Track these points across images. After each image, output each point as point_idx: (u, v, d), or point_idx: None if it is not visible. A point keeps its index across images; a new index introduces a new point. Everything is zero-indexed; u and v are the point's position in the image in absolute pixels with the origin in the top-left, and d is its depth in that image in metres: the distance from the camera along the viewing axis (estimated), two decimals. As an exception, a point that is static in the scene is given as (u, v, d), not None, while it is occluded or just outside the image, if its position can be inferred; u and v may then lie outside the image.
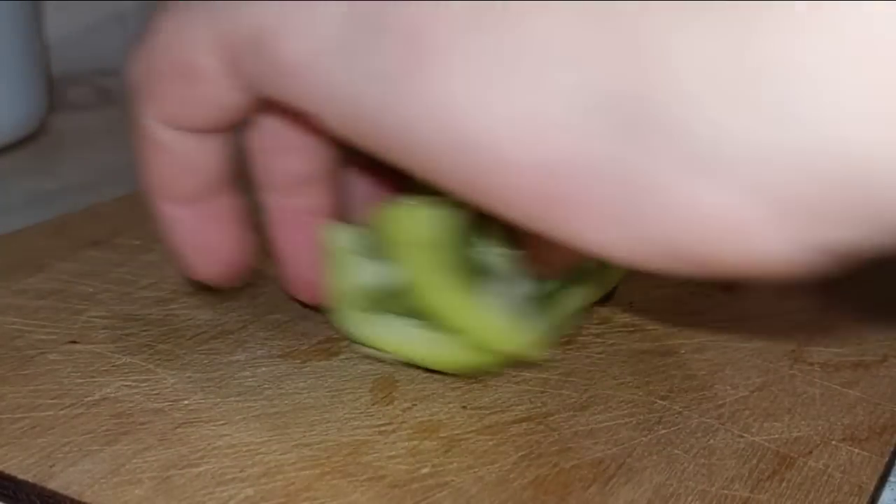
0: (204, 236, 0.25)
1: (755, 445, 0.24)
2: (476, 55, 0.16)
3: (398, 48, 0.17)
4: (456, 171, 0.17)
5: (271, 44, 0.19)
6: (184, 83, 0.21)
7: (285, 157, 0.25)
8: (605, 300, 0.31)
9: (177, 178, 0.24)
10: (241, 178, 0.26)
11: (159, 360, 0.29)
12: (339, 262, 0.26)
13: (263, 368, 0.28)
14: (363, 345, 0.27)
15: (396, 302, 0.26)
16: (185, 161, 0.23)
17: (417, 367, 0.27)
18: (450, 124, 0.17)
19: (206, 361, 0.29)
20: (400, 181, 0.27)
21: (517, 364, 0.27)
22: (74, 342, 0.30)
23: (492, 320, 0.25)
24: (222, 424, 0.25)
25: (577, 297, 0.28)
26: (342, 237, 0.26)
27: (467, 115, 0.16)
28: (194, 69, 0.21)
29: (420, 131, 0.17)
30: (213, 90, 0.21)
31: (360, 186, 0.28)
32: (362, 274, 0.26)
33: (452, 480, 0.23)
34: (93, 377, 0.28)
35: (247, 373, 0.28)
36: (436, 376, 0.28)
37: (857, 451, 0.24)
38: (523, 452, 0.24)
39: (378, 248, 0.26)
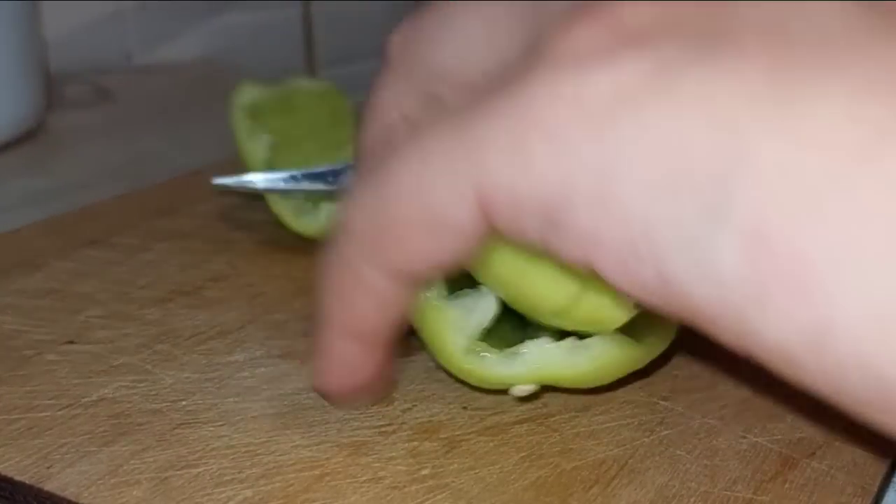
0: (363, 368, 0.23)
1: (758, 446, 0.24)
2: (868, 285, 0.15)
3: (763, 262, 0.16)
4: (858, 393, 0.16)
5: (570, 215, 0.18)
6: (427, 235, 0.20)
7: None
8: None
9: (371, 319, 0.22)
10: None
11: (157, 360, 0.29)
12: (443, 316, 0.24)
13: (262, 369, 0.28)
14: (495, 386, 0.25)
15: (498, 334, 0.25)
16: (388, 305, 0.22)
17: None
18: (834, 350, 0.16)
19: (204, 362, 0.28)
20: None
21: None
22: (72, 342, 0.30)
23: (594, 297, 0.23)
24: (221, 425, 0.25)
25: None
26: (435, 291, 0.25)
27: (862, 345, 0.15)
28: (446, 223, 0.19)
29: (791, 351, 0.16)
30: (456, 243, 0.20)
31: None
32: (474, 316, 0.24)
33: (453, 482, 0.23)
34: (90, 378, 0.28)
35: (245, 373, 0.28)
36: (436, 377, 0.27)
37: (860, 452, 0.24)
38: (524, 453, 0.24)
39: (461, 287, 0.25)
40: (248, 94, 0.42)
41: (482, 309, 0.24)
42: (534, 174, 0.18)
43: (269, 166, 0.39)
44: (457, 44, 0.22)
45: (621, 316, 0.23)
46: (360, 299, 0.22)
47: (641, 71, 0.17)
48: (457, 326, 0.24)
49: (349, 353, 0.23)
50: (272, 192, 0.36)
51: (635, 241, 0.17)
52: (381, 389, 0.25)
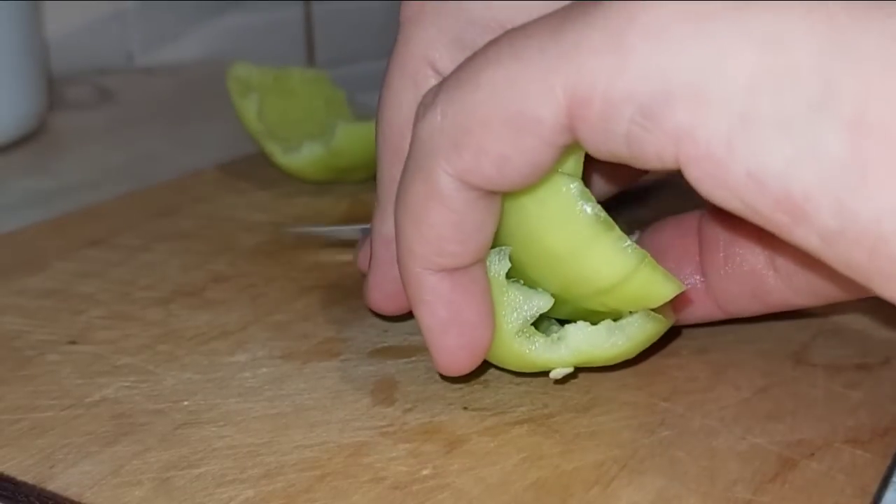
0: (460, 311, 0.23)
1: (758, 447, 0.24)
2: None
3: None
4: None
5: (666, 109, 0.18)
6: (509, 138, 0.20)
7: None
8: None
9: (452, 242, 0.22)
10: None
11: (159, 360, 0.29)
12: (504, 294, 0.25)
13: (264, 369, 0.28)
14: (542, 370, 0.25)
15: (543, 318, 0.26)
16: (469, 224, 0.22)
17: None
18: None
19: (206, 362, 0.29)
20: None
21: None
22: (74, 343, 0.30)
23: (639, 273, 0.24)
24: (222, 425, 0.25)
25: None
26: (500, 269, 0.25)
27: None
28: (529, 122, 0.20)
29: (882, 230, 0.17)
30: (535, 147, 0.20)
31: None
32: (532, 301, 0.25)
33: (454, 482, 0.23)
34: (92, 378, 0.28)
35: (247, 374, 0.28)
36: (437, 377, 0.27)
37: (859, 453, 0.24)
38: (525, 454, 0.24)
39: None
40: (243, 70, 0.46)
41: (541, 296, 0.25)
42: (632, 71, 0.18)
43: (263, 126, 0.43)
44: None
45: (669, 292, 0.24)
46: (434, 212, 0.21)
47: None
48: (514, 307, 0.25)
49: (447, 297, 0.23)
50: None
51: (732, 134, 0.18)
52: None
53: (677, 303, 0.27)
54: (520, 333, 0.25)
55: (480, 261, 0.23)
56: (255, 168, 0.46)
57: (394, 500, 0.22)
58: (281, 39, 0.80)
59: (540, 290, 0.25)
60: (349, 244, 0.35)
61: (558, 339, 0.25)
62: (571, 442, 0.24)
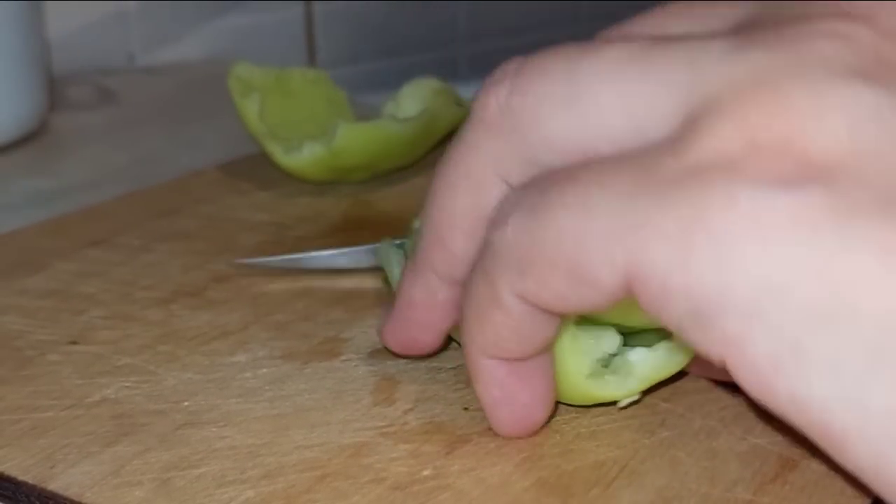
0: (514, 394, 0.24)
1: (758, 448, 0.24)
2: None
3: None
4: None
5: (718, 318, 0.18)
6: (569, 284, 0.20)
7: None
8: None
9: (510, 342, 0.22)
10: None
11: (160, 361, 0.29)
12: (573, 341, 0.25)
13: (264, 370, 0.28)
14: (620, 400, 0.25)
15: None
16: (526, 332, 0.22)
17: None
18: None
19: (206, 362, 0.29)
20: None
21: None
22: (75, 343, 0.30)
23: None
24: (223, 426, 0.25)
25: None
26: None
27: None
28: (589, 279, 0.20)
29: None
30: (593, 299, 0.20)
31: None
32: (601, 343, 0.25)
33: (454, 482, 0.23)
34: (93, 378, 0.28)
35: (248, 374, 0.28)
36: (437, 377, 0.27)
37: (860, 453, 0.24)
38: (525, 454, 0.24)
39: None
40: (244, 70, 0.46)
41: (608, 337, 0.25)
42: (692, 271, 0.18)
43: (265, 126, 0.43)
44: (581, 111, 0.21)
45: None
46: (494, 316, 0.22)
47: (823, 204, 0.17)
48: (585, 351, 0.25)
49: (503, 380, 0.24)
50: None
51: (781, 359, 0.18)
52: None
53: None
54: (591, 376, 0.25)
55: (541, 352, 0.24)
56: (256, 168, 0.46)
57: (394, 501, 0.22)
58: (281, 39, 0.79)
59: (603, 327, 0.25)
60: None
61: (627, 374, 0.25)
62: (572, 442, 0.24)
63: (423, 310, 0.25)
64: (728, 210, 0.18)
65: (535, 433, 0.25)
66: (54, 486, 0.23)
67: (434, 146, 0.47)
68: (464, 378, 0.27)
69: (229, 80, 0.45)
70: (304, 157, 0.42)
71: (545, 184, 0.20)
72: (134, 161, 0.51)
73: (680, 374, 0.26)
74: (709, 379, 0.27)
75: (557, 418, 0.25)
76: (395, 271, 0.30)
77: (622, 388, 0.25)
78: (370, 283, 0.34)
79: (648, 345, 0.25)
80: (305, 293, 0.33)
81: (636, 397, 0.25)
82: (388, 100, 0.49)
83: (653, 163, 0.19)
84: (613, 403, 0.25)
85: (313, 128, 0.47)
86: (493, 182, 0.22)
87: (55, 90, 0.61)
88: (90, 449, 0.24)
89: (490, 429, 0.25)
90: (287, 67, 0.48)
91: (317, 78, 0.49)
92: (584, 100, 0.21)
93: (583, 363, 0.24)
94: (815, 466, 0.24)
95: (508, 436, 0.25)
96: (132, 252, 0.37)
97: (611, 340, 0.25)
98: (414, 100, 0.49)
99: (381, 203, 0.42)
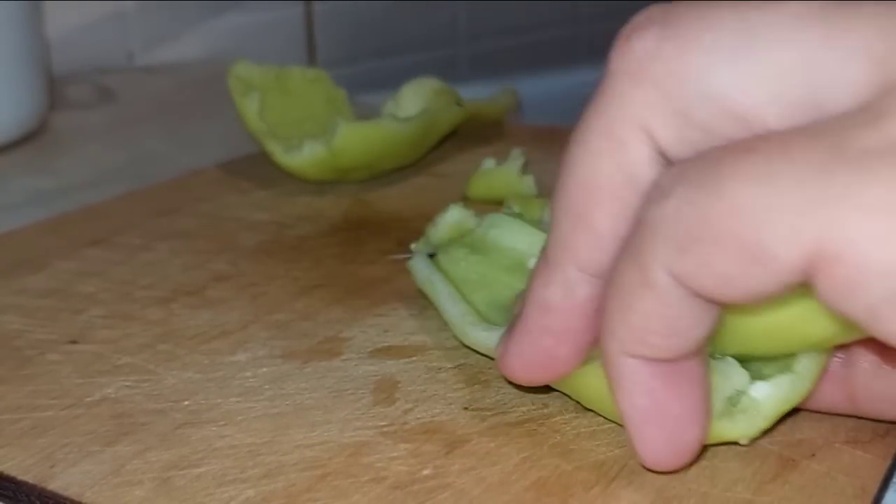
0: (662, 403, 0.21)
1: (758, 448, 0.24)
2: None
3: None
4: None
5: None
6: (738, 262, 0.18)
7: None
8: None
9: (657, 335, 0.20)
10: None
11: (160, 360, 0.29)
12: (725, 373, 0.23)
13: (264, 369, 0.28)
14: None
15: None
16: (677, 321, 0.20)
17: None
18: None
19: (206, 362, 0.29)
20: None
21: None
22: (74, 342, 0.30)
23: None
24: (223, 425, 0.25)
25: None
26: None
27: None
28: (764, 256, 0.18)
29: None
30: (765, 281, 0.18)
31: None
32: (731, 381, 0.23)
33: (454, 482, 0.23)
34: (93, 377, 0.28)
35: (248, 373, 0.28)
36: (437, 377, 0.27)
37: (860, 453, 0.24)
38: (525, 454, 0.24)
39: None
40: (244, 69, 0.46)
41: (737, 373, 0.23)
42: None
43: (264, 125, 0.44)
44: (753, 68, 0.19)
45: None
46: (643, 302, 0.20)
47: None
48: (716, 389, 0.23)
49: (648, 385, 0.21)
50: None
51: None
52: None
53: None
54: (721, 416, 0.23)
55: (692, 355, 0.21)
56: (255, 167, 0.46)
57: (394, 500, 0.22)
58: (281, 39, 0.80)
59: (729, 363, 0.23)
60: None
61: (756, 412, 0.23)
62: (572, 442, 0.24)
63: (563, 314, 0.22)
64: None
65: (679, 461, 0.22)
66: (54, 485, 0.23)
67: (434, 146, 0.47)
68: (464, 378, 0.27)
69: (229, 79, 0.45)
70: (303, 157, 0.42)
71: (715, 154, 0.18)
72: (133, 160, 0.51)
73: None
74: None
75: (557, 418, 0.25)
76: (441, 296, 0.29)
77: (752, 427, 0.23)
78: (369, 280, 0.34)
79: (763, 377, 0.23)
80: (305, 293, 0.33)
81: (758, 434, 0.24)
82: (388, 99, 0.49)
83: (848, 134, 0.17)
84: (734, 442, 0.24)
85: (313, 127, 0.47)
86: (639, 137, 0.20)
87: (55, 90, 0.61)
88: (90, 448, 0.24)
89: (491, 428, 0.25)
90: (287, 66, 0.48)
91: (316, 77, 0.49)
92: (758, 55, 0.19)
93: (714, 402, 0.23)
94: (815, 466, 0.24)
95: (657, 465, 0.22)
96: (132, 251, 0.37)
97: (740, 377, 0.23)
98: (414, 99, 0.49)
99: (381, 202, 0.42)
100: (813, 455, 0.24)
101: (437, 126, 0.46)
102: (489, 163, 0.42)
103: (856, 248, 0.17)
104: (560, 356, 0.23)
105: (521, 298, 0.25)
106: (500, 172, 0.41)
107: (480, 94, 0.52)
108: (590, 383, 0.24)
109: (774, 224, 0.17)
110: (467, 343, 0.28)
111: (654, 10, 0.20)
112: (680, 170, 0.19)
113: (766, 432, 0.25)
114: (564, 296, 0.22)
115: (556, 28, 0.95)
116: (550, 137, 0.51)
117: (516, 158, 0.42)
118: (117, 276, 0.35)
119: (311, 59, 0.81)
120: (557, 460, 0.24)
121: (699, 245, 0.18)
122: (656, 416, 0.21)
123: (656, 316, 0.20)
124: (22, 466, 0.24)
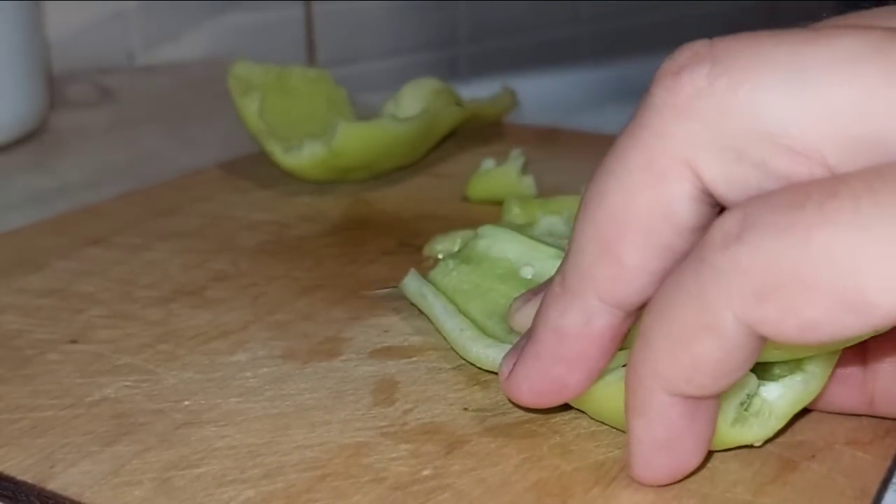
0: (679, 437, 0.21)
1: (758, 449, 0.24)
2: None
3: None
4: None
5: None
6: (830, 309, 0.18)
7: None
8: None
9: (709, 377, 0.20)
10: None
11: (160, 360, 0.29)
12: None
13: (264, 369, 0.28)
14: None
15: None
16: (733, 364, 0.20)
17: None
18: None
19: (206, 362, 0.29)
20: None
21: None
22: (74, 342, 0.30)
23: None
24: (223, 425, 0.25)
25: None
26: None
27: None
28: (861, 304, 0.18)
29: None
30: (857, 328, 0.18)
31: None
32: (742, 387, 0.23)
33: (454, 482, 0.23)
34: (93, 377, 0.28)
35: (248, 373, 0.28)
36: (438, 378, 0.27)
37: (860, 454, 0.24)
38: (525, 455, 0.24)
39: None
40: (244, 69, 0.46)
41: (749, 378, 0.23)
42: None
43: (264, 125, 0.43)
44: (810, 102, 0.18)
45: None
46: (702, 345, 0.19)
47: None
48: (727, 396, 0.23)
49: (672, 418, 0.21)
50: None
51: None
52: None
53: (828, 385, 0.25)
54: (735, 422, 0.23)
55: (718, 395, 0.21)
56: (255, 167, 0.46)
57: (394, 501, 0.22)
58: (282, 39, 0.79)
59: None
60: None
61: (769, 414, 0.23)
62: (572, 443, 0.24)
63: (577, 342, 0.22)
64: None
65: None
66: (54, 485, 0.23)
67: (434, 146, 0.47)
68: (464, 378, 0.27)
69: (229, 79, 0.45)
70: (303, 157, 0.42)
71: (789, 199, 0.18)
72: (133, 160, 0.51)
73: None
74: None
75: (557, 419, 0.25)
76: (435, 309, 0.29)
77: (765, 429, 0.23)
78: (370, 281, 0.34)
79: (773, 378, 0.24)
80: (305, 293, 0.33)
81: (771, 435, 0.24)
82: (388, 99, 0.49)
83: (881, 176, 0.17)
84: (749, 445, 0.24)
85: (313, 127, 0.47)
86: (683, 173, 0.20)
87: (55, 89, 0.61)
88: (90, 448, 0.24)
89: (491, 429, 0.25)
90: (287, 66, 0.48)
91: (317, 77, 0.49)
92: (816, 92, 0.18)
93: (727, 410, 0.23)
94: (816, 468, 0.24)
95: (649, 482, 0.22)
96: (132, 251, 0.37)
97: (751, 382, 0.23)
98: (414, 99, 0.49)
99: (381, 203, 0.42)
100: (813, 456, 0.24)
101: (437, 126, 0.46)
102: (489, 163, 0.42)
103: None
104: (571, 383, 0.23)
105: (520, 309, 0.25)
106: (500, 173, 0.41)
107: (480, 95, 0.52)
108: (600, 401, 0.24)
109: (873, 273, 0.17)
110: (469, 359, 0.28)
111: (700, 46, 0.20)
112: (750, 213, 0.19)
113: (767, 433, 0.25)
114: (583, 325, 0.22)
115: (556, 28, 0.95)
116: (550, 137, 0.51)
117: (516, 159, 0.42)
118: (117, 275, 0.35)
119: (311, 59, 0.81)
120: (557, 461, 0.24)
121: (782, 292, 0.18)
122: (669, 447, 0.21)
123: (713, 360, 0.19)
124: (21, 466, 0.24)
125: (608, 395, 0.24)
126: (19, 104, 0.53)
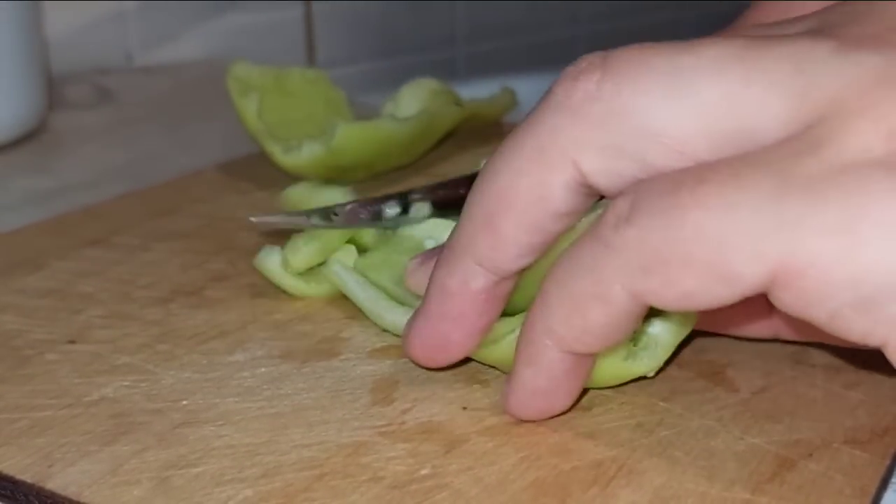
0: (558, 388, 0.24)
1: (756, 448, 0.24)
2: None
3: None
4: None
5: (891, 303, 0.19)
6: (703, 280, 0.21)
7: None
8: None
9: (596, 337, 0.23)
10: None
11: (158, 360, 0.29)
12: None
13: (263, 369, 0.28)
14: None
15: None
16: (619, 328, 0.22)
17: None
18: None
19: (205, 362, 0.29)
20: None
21: None
22: (73, 342, 0.30)
23: None
24: (221, 425, 0.25)
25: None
26: None
27: None
28: (729, 275, 0.20)
29: None
30: (727, 295, 0.21)
31: None
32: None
33: (452, 482, 0.23)
34: (91, 377, 0.28)
35: (246, 373, 0.28)
36: (436, 377, 0.27)
37: (858, 453, 0.24)
38: (523, 454, 0.24)
39: None
40: (243, 69, 0.46)
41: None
42: (861, 261, 0.19)
43: (263, 126, 0.44)
44: (684, 105, 0.21)
45: None
46: (593, 311, 0.22)
47: None
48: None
49: (559, 369, 0.24)
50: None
51: None
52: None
53: (735, 315, 0.28)
54: (627, 357, 0.26)
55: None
56: (254, 168, 0.46)
57: (392, 500, 0.22)
58: (281, 39, 0.79)
59: None
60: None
61: (656, 346, 0.26)
62: (570, 442, 0.24)
63: (459, 301, 0.25)
64: (892, 198, 0.19)
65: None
66: (52, 484, 0.23)
67: (433, 146, 0.47)
68: (462, 378, 0.27)
69: (228, 80, 0.45)
70: (302, 157, 0.42)
71: (668, 185, 0.21)
72: (132, 160, 0.51)
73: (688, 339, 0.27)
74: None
75: (555, 418, 0.25)
76: (348, 284, 0.30)
77: (654, 359, 0.26)
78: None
79: (655, 315, 0.26)
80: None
81: (660, 364, 0.26)
82: (387, 100, 0.49)
83: (791, 163, 0.20)
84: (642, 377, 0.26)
85: (312, 127, 0.47)
86: (565, 164, 0.22)
87: (54, 90, 0.61)
88: (88, 448, 0.24)
89: (489, 428, 0.25)
90: (286, 67, 0.48)
91: (316, 78, 0.49)
92: (687, 95, 0.21)
93: (619, 348, 0.25)
94: (813, 466, 0.24)
95: (518, 417, 0.25)
96: (131, 251, 0.37)
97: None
98: (413, 100, 0.49)
99: (379, 203, 0.42)
100: (811, 455, 0.24)
101: (436, 126, 0.46)
102: (488, 163, 0.42)
103: (817, 267, 0.19)
104: (454, 340, 0.25)
105: (416, 270, 0.28)
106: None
107: (479, 95, 0.52)
108: (495, 353, 0.26)
109: (738, 248, 0.20)
110: (385, 327, 0.30)
111: (596, 56, 0.23)
112: (637, 197, 0.21)
113: (764, 432, 0.25)
114: (463, 284, 0.24)
115: (554, 28, 0.95)
116: (549, 138, 0.50)
117: (515, 159, 0.41)
118: (116, 276, 0.35)
119: (311, 59, 0.81)
120: (555, 460, 0.24)
121: (665, 267, 0.21)
122: (547, 394, 0.24)
123: (602, 324, 0.22)
124: (20, 466, 0.24)
125: (503, 351, 0.26)
126: (18, 104, 0.53)
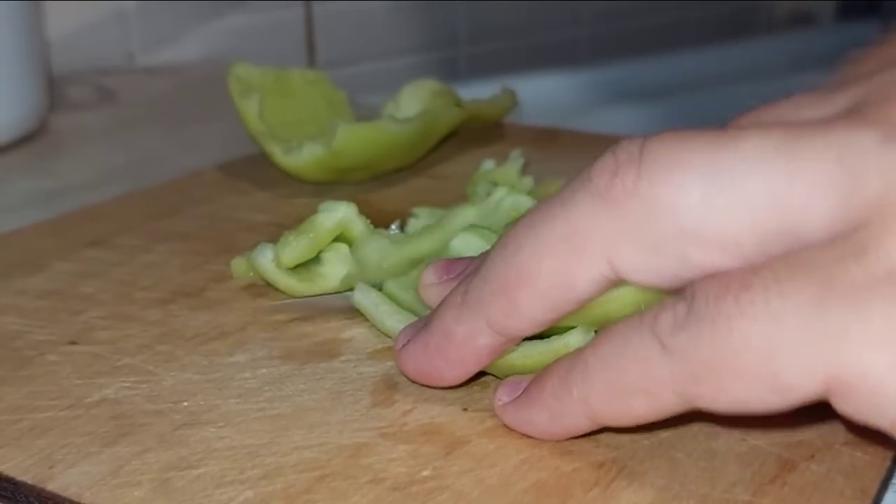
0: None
1: (757, 449, 0.24)
2: None
3: None
4: None
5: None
6: (756, 391, 0.20)
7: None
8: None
9: (632, 420, 0.23)
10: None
11: (159, 361, 0.29)
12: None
13: (263, 370, 0.28)
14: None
15: None
16: (662, 415, 0.23)
17: None
18: None
19: (205, 363, 0.29)
20: None
21: None
22: (74, 343, 0.30)
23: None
24: (222, 426, 0.25)
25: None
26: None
27: None
28: (782, 387, 0.20)
29: None
30: (782, 404, 0.20)
31: None
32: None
33: (453, 483, 0.23)
34: (92, 378, 0.28)
35: (247, 374, 0.28)
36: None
37: (859, 454, 0.24)
38: (524, 455, 0.24)
39: None
40: (244, 70, 0.46)
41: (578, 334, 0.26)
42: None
43: (264, 126, 0.43)
44: (725, 203, 0.21)
45: None
46: (639, 402, 0.22)
47: None
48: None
49: (580, 421, 0.24)
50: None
51: None
52: None
53: None
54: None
55: None
56: (255, 168, 0.46)
57: (393, 502, 0.22)
58: (281, 40, 0.80)
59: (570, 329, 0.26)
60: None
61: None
62: (571, 443, 0.24)
63: (460, 348, 0.25)
64: None
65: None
66: (53, 486, 0.23)
67: (433, 147, 0.47)
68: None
69: (229, 81, 0.45)
70: (303, 158, 0.42)
71: (717, 289, 0.20)
72: (133, 161, 0.51)
73: None
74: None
75: (557, 419, 0.25)
76: (384, 320, 0.30)
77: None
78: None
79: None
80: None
81: (590, 334, 0.26)
82: (388, 100, 0.49)
83: (834, 270, 0.19)
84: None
85: (313, 128, 0.47)
86: (597, 260, 0.22)
87: (55, 90, 0.61)
88: (89, 449, 0.24)
89: (490, 429, 0.25)
90: (286, 68, 0.48)
91: (316, 78, 0.49)
92: (727, 192, 0.21)
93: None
94: (815, 468, 0.24)
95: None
96: (131, 252, 0.37)
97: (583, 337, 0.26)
98: (413, 101, 0.49)
99: (380, 203, 0.42)
100: (812, 456, 0.24)
101: (437, 127, 0.46)
102: (489, 164, 0.42)
103: (869, 381, 0.19)
104: (447, 377, 0.26)
105: (432, 286, 0.28)
106: (500, 173, 0.41)
107: (480, 95, 0.52)
108: (499, 366, 0.26)
109: (787, 360, 0.20)
110: (385, 332, 0.30)
111: (634, 146, 0.22)
112: (692, 302, 0.21)
113: (766, 434, 0.25)
114: (469, 337, 0.25)
115: (555, 30, 0.95)
116: (550, 139, 0.51)
117: (516, 159, 0.42)
118: (116, 277, 0.35)
119: (311, 60, 0.81)
120: (557, 462, 0.24)
121: (716, 377, 0.20)
122: (549, 433, 0.25)
123: (644, 414, 0.22)
124: (21, 467, 0.24)
125: (511, 363, 0.26)
126: (19, 105, 0.53)
